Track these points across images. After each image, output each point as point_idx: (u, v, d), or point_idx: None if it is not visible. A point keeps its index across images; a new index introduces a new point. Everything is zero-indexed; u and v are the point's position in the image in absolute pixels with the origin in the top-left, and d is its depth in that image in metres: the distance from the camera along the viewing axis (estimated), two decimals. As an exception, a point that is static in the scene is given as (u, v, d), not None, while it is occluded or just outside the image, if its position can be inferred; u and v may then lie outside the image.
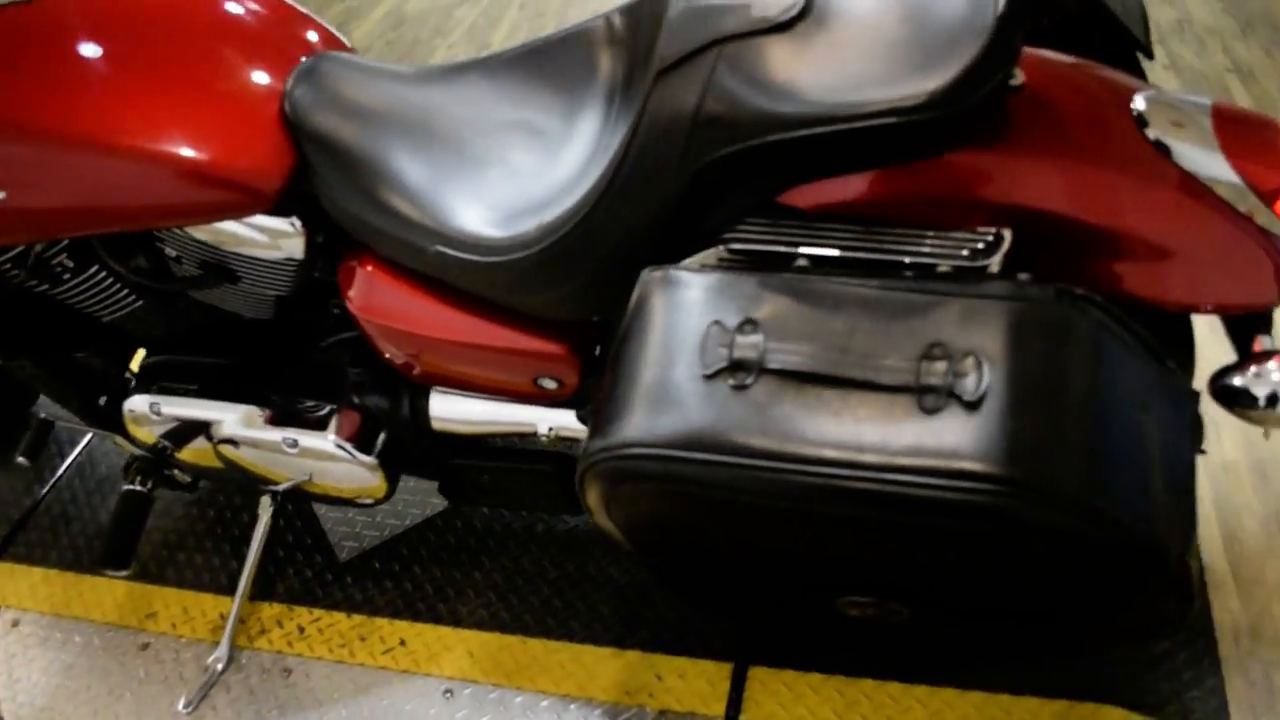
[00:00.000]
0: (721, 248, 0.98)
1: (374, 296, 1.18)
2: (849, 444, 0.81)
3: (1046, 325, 0.83)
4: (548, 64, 1.18)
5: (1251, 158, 0.95)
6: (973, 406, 0.80)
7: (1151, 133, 0.94)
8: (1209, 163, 0.94)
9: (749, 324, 0.87)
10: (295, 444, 1.35)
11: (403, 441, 1.39)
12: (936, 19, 0.91)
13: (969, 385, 0.80)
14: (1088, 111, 0.96)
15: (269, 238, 1.22)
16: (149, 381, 1.44)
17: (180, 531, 1.77)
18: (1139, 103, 0.96)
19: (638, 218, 0.97)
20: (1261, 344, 1.05)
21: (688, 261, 1.00)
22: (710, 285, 0.90)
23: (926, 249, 0.93)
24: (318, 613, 1.61)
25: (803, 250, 0.95)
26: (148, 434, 1.46)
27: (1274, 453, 1.64)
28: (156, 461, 1.52)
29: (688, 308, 0.90)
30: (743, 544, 0.94)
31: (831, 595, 0.99)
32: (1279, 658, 1.39)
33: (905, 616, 1.00)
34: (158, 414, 1.41)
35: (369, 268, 1.18)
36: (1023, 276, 0.88)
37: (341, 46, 1.28)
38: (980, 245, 0.93)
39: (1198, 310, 1.01)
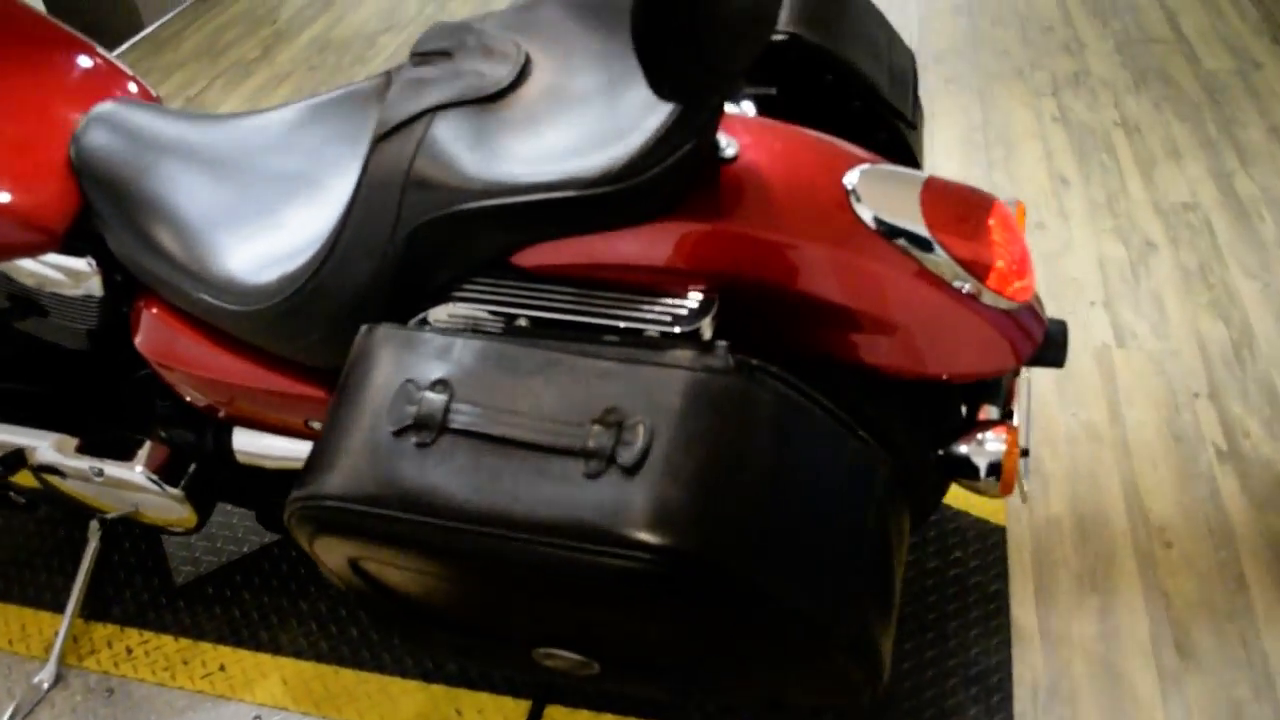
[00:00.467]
0: (450, 305, 1.01)
1: (156, 337, 1.21)
2: (505, 505, 0.84)
3: (720, 396, 0.86)
4: (333, 116, 1.21)
5: (955, 232, 0.99)
6: (629, 472, 0.83)
7: (861, 207, 0.98)
8: (911, 234, 0.98)
9: (440, 384, 0.90)
10: (101, 473, 1.38)
11: (211, 473, 1.42)
12: (630, 97, 0.95)
13: (629, 452, 0.84)
14: (798, 184, 0.99)
15: (67, 276, 1.25)
16: None
17: (29, 549, 1.80)
18: (852, 177, 1.00)
19: (362, 275, 1.01)
20: (986, 413, 1.09)
21: (431, 314, 1.04)
22: (412, 344, 0.94)
23: (636, 314, 0.97)
24: (147, 635, 1.64)
25: (524, 311, 0.99)
26: None
27: (1099, 508, 1.68)
28: None
29: (388, 365, 0.93)
30: (434, 592, 0.97)
31: (524, 646, 1.02)
32: (1073, 715, 1.42)
33: (595, 670, 1.03)
34: (-26, 440, 1.44)
35: (154, 309, 1.22)
36: (720, 344, 0.92)
37: (145, 93, 1.32)
38: (684, 311, 0.96)
39: (930, 378, 1.04)
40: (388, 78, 1.19)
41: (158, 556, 1.75)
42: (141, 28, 4.18)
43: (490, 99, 0.98)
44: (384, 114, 0.99)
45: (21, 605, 1.72)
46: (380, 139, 0.98)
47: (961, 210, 1.01)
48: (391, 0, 3.79)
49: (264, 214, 1.14)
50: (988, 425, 1.06)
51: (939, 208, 0.99)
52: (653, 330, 0.96)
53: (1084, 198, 2.38)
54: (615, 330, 0.97)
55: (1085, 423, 1.81)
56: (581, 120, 0.96)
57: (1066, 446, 1.78)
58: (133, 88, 1.30)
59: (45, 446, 1.41)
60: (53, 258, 1.24)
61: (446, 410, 0.89)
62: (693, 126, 0.91)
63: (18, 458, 1.46)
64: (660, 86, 0.80)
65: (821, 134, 1.06)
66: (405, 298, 1.02)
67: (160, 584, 1.70)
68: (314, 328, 1.07)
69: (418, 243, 0.97)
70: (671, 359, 0.88)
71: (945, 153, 2.60)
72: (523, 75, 1.00)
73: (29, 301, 1.32)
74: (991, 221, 1.01)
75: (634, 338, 0.96)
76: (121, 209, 1.16)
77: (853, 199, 0.99)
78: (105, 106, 1.23)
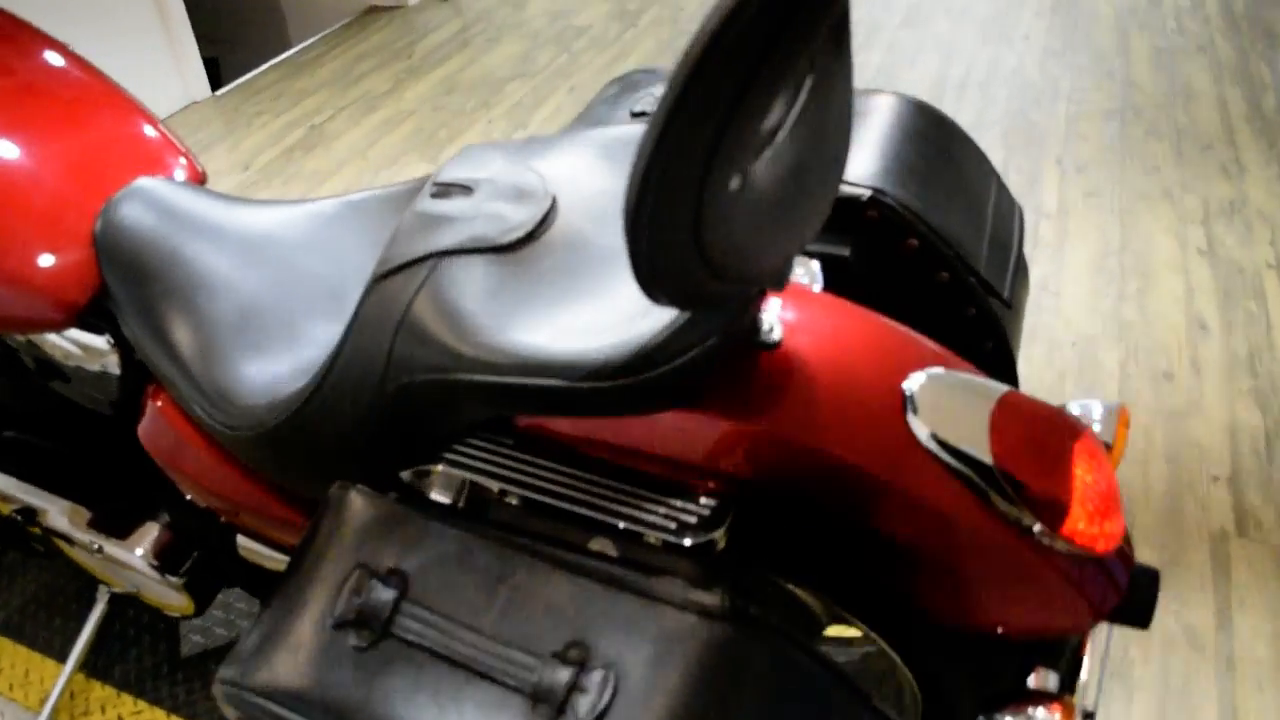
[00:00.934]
0: (441, 465, 0.90)
1: (157, 431, 1.14)
2: None
3: (705, 649, 0.72)
4: (369, 218, 1.12)
5: (1027, 462, 0.82)
6: None
7: (917, 420, 0.83)
8: (973, 461, 0.82)
9: (395, 575, 0.79)
10: (100, 550, 1.32)
11: (215, 562, 1.34)
12: None
13: (585, 702, 0.71)
14: (846, 383, 0.85)
15: (84, 351, 1.19)
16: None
17: (51, 589, 1.76)
18: (914, 382, 0.85)
19: (345, 421, 0.91)
20: (1042, 678, 0.92)
21: (417, 472, 0.93)
22: (378, 519, 0.83)
23: (640, 514, 0.84)
24: (141, 705, 1.57)
25: (516, 489, 0.87)
26: (4, 505, 1.46)
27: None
28: (10, 531, 1.52)
29: (347, 540, 0.82)
30: None
31: None
32: None
33: None
34: (-9, 488, 1.40)
35: (159, 401, 1.14)
36: (724, 571, 0.78)
37: (193, 170, 1.25)
38: (694, 519, 0.83)
39: (979, 630, 0.88)
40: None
41: (170, 621, 1.69)
42: (288, 47, 4.28)
43: (498, 249, 0.87)
44: (387, 251, 0.89)
45: (31, 648, 1.68)
46: (379, 278, 0.88)
47: (1040, 435, 0.85)
48: (526, 47, 3.77)
49: (274, 323, 1.05)
50: (1040, 699, 0.89)
51: (1012, 431, 0.83)
52: (655, 536, 0.83)
53: (1223, 349, 2.14)
54: (612, 530, 0.84)
55: (1187, 626, 1.59)
56: (595, 290, 0.84)
57: (1160, 652, 1.56)
58: (181, 162, 1.24)
59: (55, 512, 1.36)
60: (72, 332, 1.19)
61: (394, 610, 0.77)
62: (715, 323, 0.77)
63: (32, 514, 1.42)
64: (653, 291, 0.67)
65: (889, 322, 0.91)
66: (392, 448, 0.92)
67: (166, 650, 1.64)
68: (294, 464, 0.98)
69: (404, 399, 0.87)
70: (660, 589, 0.75)
71: (1074, 278, 2.39)
72: (544, 223, 0.89)
73: (52, 367, 1.27)
74: (1076, 453, 0.85)
75: (632, 543, 0.83)
76: (135, 295, 1.10)
77: (908, 409, 0.84)
78: (143, 182, 1.17)
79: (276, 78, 3.71)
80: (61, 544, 1.39)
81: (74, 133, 1.18)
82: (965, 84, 3.28)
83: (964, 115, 3.09)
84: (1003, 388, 0.86)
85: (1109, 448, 0.99)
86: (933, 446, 0.83)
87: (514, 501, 0.87)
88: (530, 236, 0.87)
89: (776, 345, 0.86)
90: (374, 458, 0.93)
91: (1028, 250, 2.50)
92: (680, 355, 0.76)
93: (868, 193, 1.03)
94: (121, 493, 1.37)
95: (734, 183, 0.60)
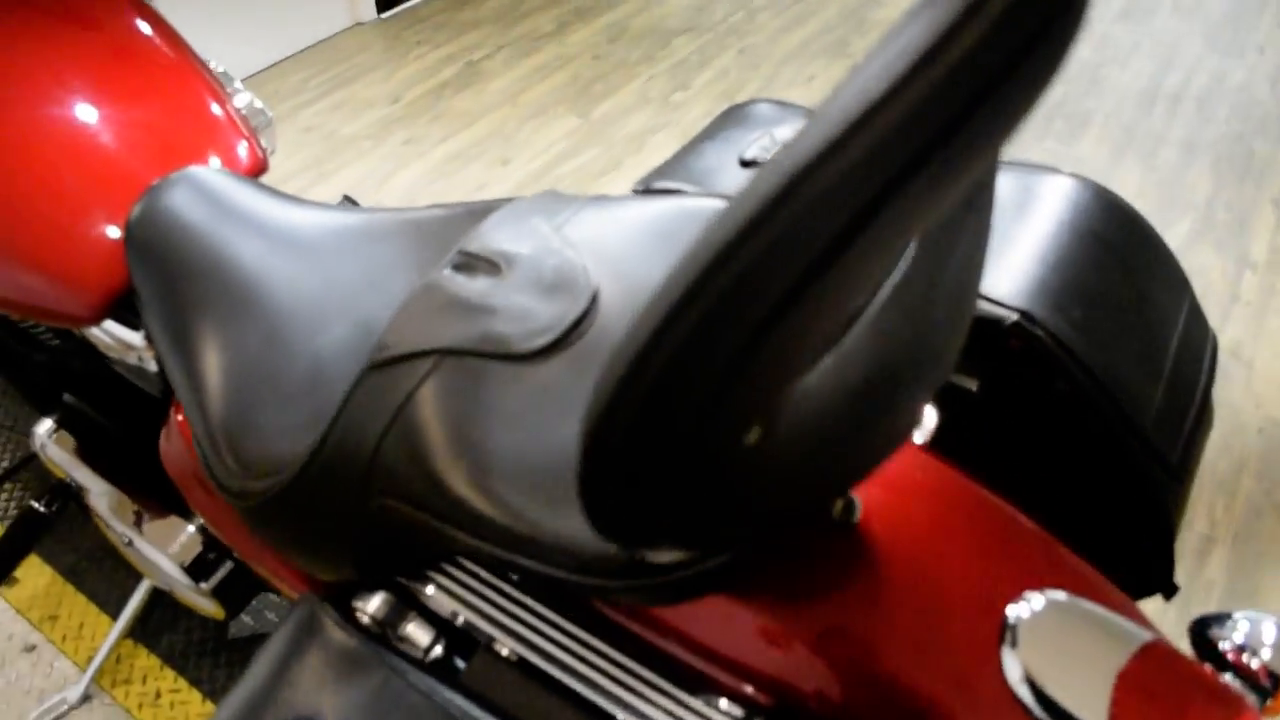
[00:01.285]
0: (429, 586, 0.76)
1: (172, 447, 1.03)
2: None
3: None
4: (429, 243, 0.97)
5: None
6: None
7: (1012, 657, 0.64)
8: None
9: None
10: (131, 544, 1.25)
11: (245, 573, 1.26)
12: None
13: None
14: (931, 593, 0.66)
15: (120, 345, 1.10)
16: (59, 418, 1.38)
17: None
18: (1021, 607, 0.66)
19: (327, 518, 0.77)
20: None
21: (409, 587, 0.79)
22: (335, 658, 0.70)
23: (646, 709, 0.68)
24: (180, 684, 1.53)
25: (506, 638, 0.72)
26: (57, 468, 1.41)
27: None
28: (69, 494, 1.48)
29: (295, 678, 0.69)
30: None
31: None
32: None
33: None
34: (44, 452, 1.35)
35: (180, 416, 1.03)
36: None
37: (254, 157, 1.12)
38: None
39: None
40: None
41: (225, 593, 1.64)
42: (464, -29, 4.16)
43: (515, 357, 0.70)
44: (386, 333, 0.74)
45: (90, 599, 1.66)
46: (373, 367, 0.73)
47: (1180, 706, 0.64)
48: (702, -2, 3.54)
49: (299, 355, 0.88)
50: None
51: (1147, 700, 0.63)
52: None
53: None
54: (606, 716, 0.68)
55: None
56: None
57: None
58: (242, 148, 1.11)
59: (96, 493, 1.29)
60: (107, 323, 1.10)
61: None
62: (734, 537, 0.59)
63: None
64: (603, 527, 0.48)
65: (1008, 511, 0.71)
66: (379, 557, 0.78)
67: (215, 627, 1.59)
68: (279, 541, 0.85)
69: (386, 520, 0.73)
70: None
71: (1273, 350, 2.06)
72: (578, 327, 0.71)
73: (91, 347, 1.19)
74: None
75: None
76: (160, 299, 0.97)
77: (1006, 641, 0.65)
78: (192, 171, 1.04)
79: (443, 6, 3.61)
80: (100, 524, 1.33)
81: (132, 104, 1.07)
82: (1181, 96, 2.88)
83: (1174, 133, 2.72)
84: (1144, 636, 0.66)
85: (1277, 683, 0.77)
86: (1024, 694, 0.63)
87: (503, 651, 0.72)
88: (557, 344, 0.70)
89: (852, 527, 0.68)
90: (365, 555, 0.79)
91: (1222, 307, 2.18)
92: (705, 559, 0.59)
93: (1013, 316, 0.81)
94: (163, 486, 1.29)
95: (752, 435, 0.42)
